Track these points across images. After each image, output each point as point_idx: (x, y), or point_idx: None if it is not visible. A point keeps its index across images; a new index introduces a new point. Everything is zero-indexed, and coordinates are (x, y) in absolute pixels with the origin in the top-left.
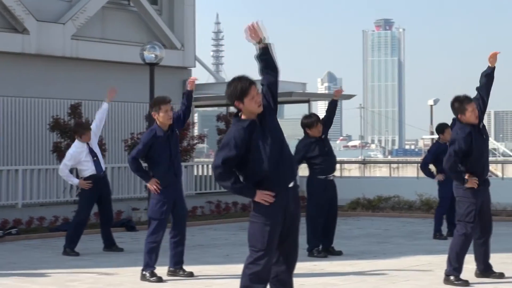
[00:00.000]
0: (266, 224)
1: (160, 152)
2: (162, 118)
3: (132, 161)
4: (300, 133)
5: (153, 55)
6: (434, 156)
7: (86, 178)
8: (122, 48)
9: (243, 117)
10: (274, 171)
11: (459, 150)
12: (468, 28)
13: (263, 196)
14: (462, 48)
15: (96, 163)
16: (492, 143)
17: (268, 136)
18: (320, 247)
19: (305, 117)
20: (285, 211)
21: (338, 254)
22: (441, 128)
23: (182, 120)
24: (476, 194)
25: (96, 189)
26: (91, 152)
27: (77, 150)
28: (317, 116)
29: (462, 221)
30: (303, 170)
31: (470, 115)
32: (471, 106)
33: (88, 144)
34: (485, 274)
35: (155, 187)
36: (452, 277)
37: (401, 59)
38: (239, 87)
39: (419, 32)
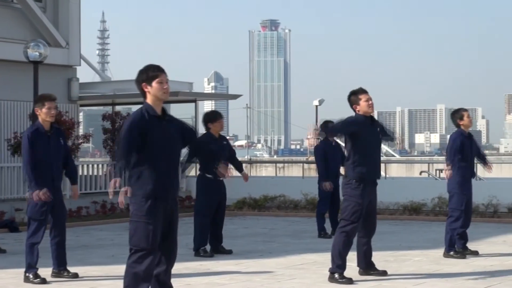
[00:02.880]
0: (149, 223)
1: (41, 151)
2: (44, 114)
3: (28, 167)
4: None
5: (37, 53)
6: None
7: None
8: (5, 45)
9: (148, 101)
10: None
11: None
12: (353, 30)
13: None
14: (347, 49)
15: None
16: None
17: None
18: (208, 247)
19: (207, 113)
20: (166, 209)
21: (228, 253)
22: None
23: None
24: (363, 194)
25: None
26: None
27: None
28: (220, 113)
29: (347, 219)
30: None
31: (364, 104)
32: (365, 97)
33: None
34: (368, 272)
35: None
36: (336, 275)
37: (286, 59)
38: (150, 70)
39: (305, 33)
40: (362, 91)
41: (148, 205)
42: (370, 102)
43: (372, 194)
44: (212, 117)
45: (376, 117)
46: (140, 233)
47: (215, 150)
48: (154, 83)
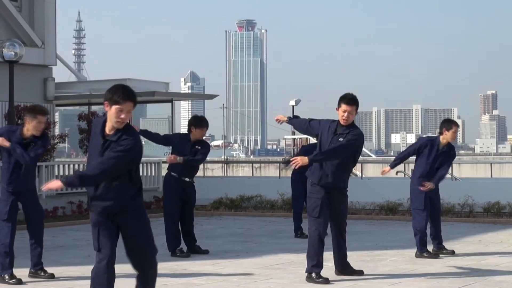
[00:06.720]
0: (95, 225)
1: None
2: (32, 127)
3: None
4: (163, 132)
5: (12, 53)
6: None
7: None
8: None
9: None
10: None
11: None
12: (328, 30)
13: None
14: (323, 49)
15: None
16: None
17: None
18: (184, 247)
19: (195, 116)
20: (113, 212)
21: (205, 253)
22: None
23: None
24: (321, 190)
25: None
26: None
27: None
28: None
29: (310, 215)
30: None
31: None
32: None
33: None
34: (344, 272)
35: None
36: (313, 275)
37: (263, 59)
38: (117, 95)
39: (281, 33)
40: (348, 101)
41: (97, 210)
42: (345, 115)
43: (336, 198)
44: (198, 122)
45: None
46: (92, 235)
47: (181, 150)
48: (113, 108)
